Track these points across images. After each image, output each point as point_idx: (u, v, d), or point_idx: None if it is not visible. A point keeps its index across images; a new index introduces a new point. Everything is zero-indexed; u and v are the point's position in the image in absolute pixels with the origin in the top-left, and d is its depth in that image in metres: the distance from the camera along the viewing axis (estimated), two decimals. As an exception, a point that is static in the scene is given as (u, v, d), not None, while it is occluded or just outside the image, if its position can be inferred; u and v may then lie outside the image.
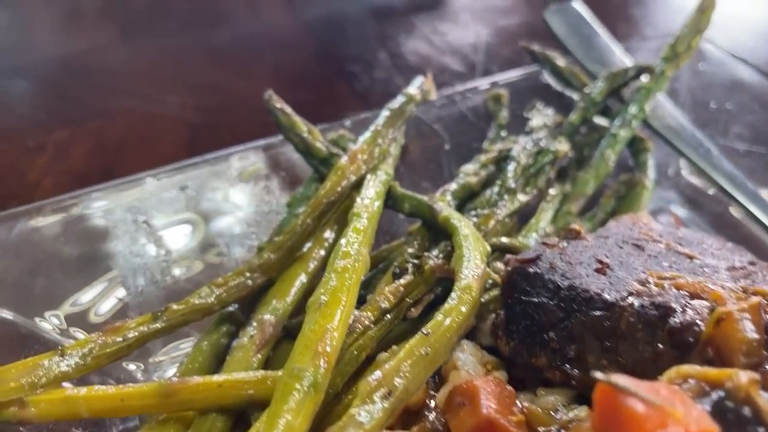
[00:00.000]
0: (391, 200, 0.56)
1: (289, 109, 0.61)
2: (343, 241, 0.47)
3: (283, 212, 0.62)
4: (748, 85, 0.74)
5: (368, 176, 0.55)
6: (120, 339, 0.46)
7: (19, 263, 0.57)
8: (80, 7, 1.07)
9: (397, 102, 0.61)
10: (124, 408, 0.43)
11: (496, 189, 0.59)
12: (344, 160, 0.56)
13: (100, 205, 0.61)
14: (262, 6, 1.10)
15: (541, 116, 0.67)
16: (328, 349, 0.39)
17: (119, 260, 0.60)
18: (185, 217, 0.61)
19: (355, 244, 0.46)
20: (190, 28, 1.02)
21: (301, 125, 0.60)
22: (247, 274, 0.50)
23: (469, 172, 0.62)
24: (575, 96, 0.72)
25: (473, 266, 0.45)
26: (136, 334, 0.46)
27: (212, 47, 0.97)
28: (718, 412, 0.32)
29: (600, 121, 0.70)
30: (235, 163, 0.63)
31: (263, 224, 0.61)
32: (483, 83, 0.74)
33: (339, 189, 0.54)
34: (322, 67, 0.93)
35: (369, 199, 0.52)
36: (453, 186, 0.60)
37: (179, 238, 0.60)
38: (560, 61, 0.73)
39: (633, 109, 0.66)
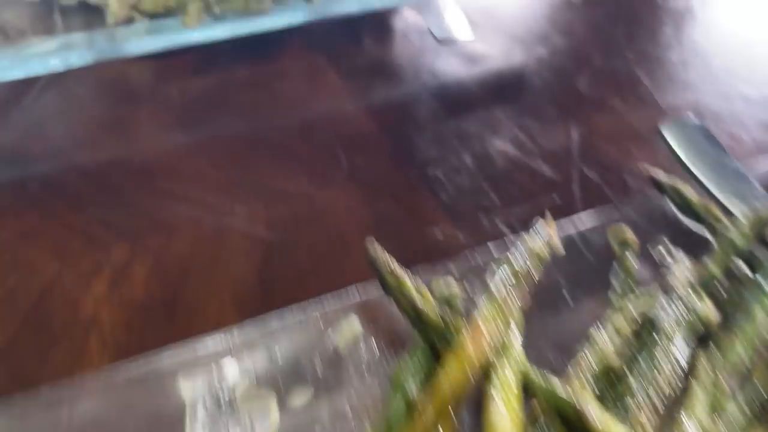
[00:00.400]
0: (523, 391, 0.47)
1: (396, 268, 0.52)
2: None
3: (383, 379, 0.53)
4: None
5: (498, 363, 0.47)
6: None
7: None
8: (133, 93, 1.01)
9: (519, 259, 0.52)
10: None
11: (642, 372, 0.50)
12: (465, 339, 0.47)
13: (170, 370, 0.53)
14: (325, 93, 1.03)
15: (680, 268, 0.58)
16: None
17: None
18: (270, 391, 0.52)
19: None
20: (251, 117, 0.95)
21: (411, 287, 0.51)
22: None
23: (603, 341, 0.52)
24: (708, 234, 0.63)
25: None
26: None
27: (277, 141, 0.90)
28: None
29: (741, 265, 0.60)
30: (329, 322, 0.54)
31: (365, 402, 0.52)
32: (601, 217, 0.65)
33: (463, 380, 0.45)
34: (400, 170, 0.85)
35: (509, 412, 0.43)
36: (589, 361, 0.51)
37: (264, 415, 0.52)
38: (690, 193, 0.64)
39: (786, 260, 0.57)
